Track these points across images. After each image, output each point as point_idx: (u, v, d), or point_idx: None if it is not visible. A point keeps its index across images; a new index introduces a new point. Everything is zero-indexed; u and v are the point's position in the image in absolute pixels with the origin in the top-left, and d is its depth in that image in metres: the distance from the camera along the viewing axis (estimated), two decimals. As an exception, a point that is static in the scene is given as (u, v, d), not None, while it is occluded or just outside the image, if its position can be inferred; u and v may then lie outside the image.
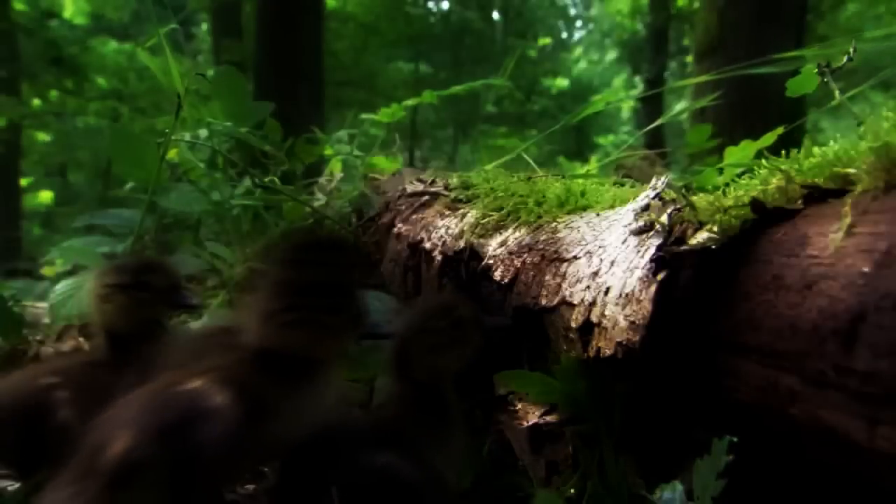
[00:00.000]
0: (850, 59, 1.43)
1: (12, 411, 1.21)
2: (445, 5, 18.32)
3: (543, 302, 1.29)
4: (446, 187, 2.17)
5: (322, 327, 1.03)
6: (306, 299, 1.02)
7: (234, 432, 0.90)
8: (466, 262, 1.65)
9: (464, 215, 1.83)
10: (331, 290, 1.05)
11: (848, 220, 0.75)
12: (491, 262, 1.53)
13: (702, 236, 0.98)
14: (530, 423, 1.31)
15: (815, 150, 0.96)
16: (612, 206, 1.36)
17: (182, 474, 0.86)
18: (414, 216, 2.15)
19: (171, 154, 2.73)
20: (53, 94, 13.09)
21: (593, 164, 3.16)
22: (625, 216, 1.23)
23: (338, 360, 1.10)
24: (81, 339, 2.48)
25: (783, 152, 1.05)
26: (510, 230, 1.56)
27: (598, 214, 1.34)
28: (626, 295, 1.03)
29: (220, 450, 0.89)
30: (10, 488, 1.37)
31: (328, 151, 3.32)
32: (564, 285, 1.23)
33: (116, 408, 0.94)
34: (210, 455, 0.88)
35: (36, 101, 13.12)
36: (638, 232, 1.12)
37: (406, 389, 1.14)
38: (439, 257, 1.78)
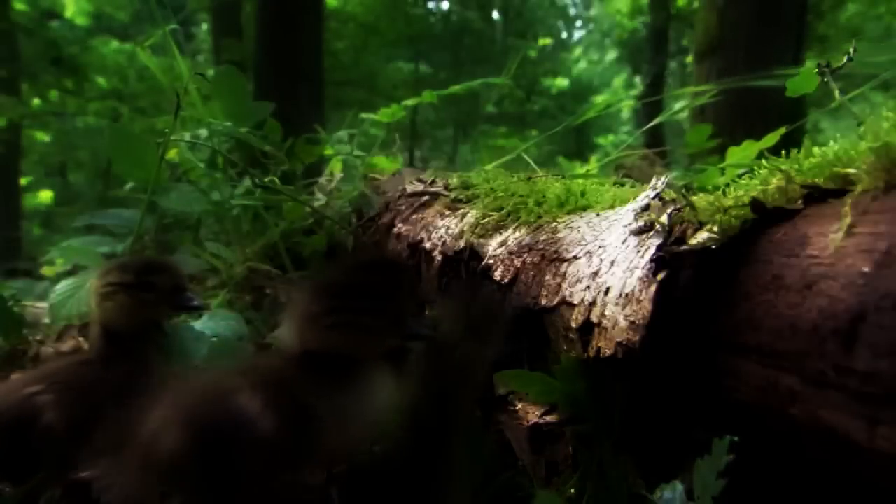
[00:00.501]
0: (850, 60, 1.43)
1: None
2: (445, 5, 18.33)
3: (543, 302, 1.29)
4: (446, 187, 2.17)
5: (364, 330, 1.03)
6: (348, 302, 1.02)
7: (275, 433, 0.90)
8: (466, 262, 1.65)
9: (464, 215, 1.83)
10: (372, 292, 1.05)
11: (848, 220, 0.75)
12: (491, 262, 1.53)
13: (702, 236, 0.98)
14: (530, 423, 1.31)
15: (815, 150, 0.96)
16: (612, 206, 1.36)
17: (225, 474, 0.86)
18: (414, 216, 2.15)
19: (171, 154, 2.73)
20: (54, 94, 13.09)
21: (593, 164, 3.16)
22: (625, 216, 1.23)
23: (383, 363, 1.09)
24: (81, 339, 2.48)
25: (783, 152, 1.05)
26: (510, 230, 1.56)
27: (598, 214, 1.34)
28: (626, 295, 1.03)
29: (262, 450, 0.89)
30: (7, 489, 1.37)
31: (329, 151, 3.32)
32: (564, 285, 1.23)
33: (165, 401, 0.94)
34: (252, 455, 0.88)
35: (36, 101, 13.12)
36: (638, 232, 1.12)
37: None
38: (439, 257, 1.78)
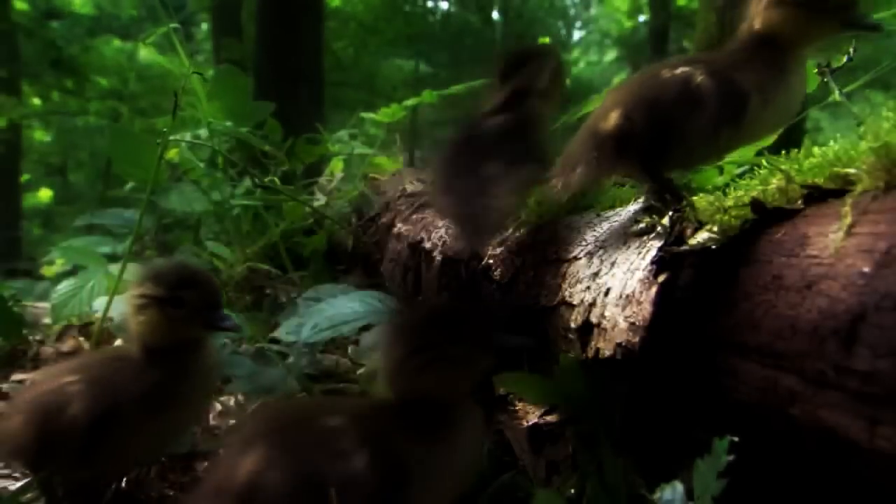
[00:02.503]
0: (850, 60, 1.43)
1: (30, 409, 1.21)
2: (444, 5, 18.32)
3: (543, 302, 1.29)
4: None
5: (454, 361, 0.99)
6: (431, 336, 0.99)
7: (377, 493, 0.89)
8: (466, 262, 1.65)
9: (464, 215, 1.83)
10: (449, 321, 1.02)
11: (848, 220, 0.75)
12: (491, 262, 1.53)
13: (702, 236, 0.98)
14: (530, 423, 1.31)
15: (815, 150, 0.97)
16: (612, 206, 1.36)
17: None
18: (414, 216, 2.15)
19: (172, 154, 2.73)
20: (55, 94, 13.09)
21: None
22: (625, 216, 1.23)
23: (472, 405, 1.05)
24: (81, 339, 2.48)
25: (783, 152, 1.05)
26: (510, 230, 1.56)
27: (598, 214, 1.34)
28: (627, 296, 1.03)
29: None
30: (10, 488, 1.37)
31: (333, 149, 3.32)
32: (564, 286, 1.23)
33: (264, 439, 0.94)
34: None
35: (36, 101, 13.11)
36: (638, 233, 1.12)
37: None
38: (439, 257, 1.78)
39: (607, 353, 1.05)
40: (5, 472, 1.49)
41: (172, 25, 2.54)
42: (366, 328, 1.81)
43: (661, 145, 1.14)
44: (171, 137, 2.18)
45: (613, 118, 1.17)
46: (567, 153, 1.24)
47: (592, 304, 1.12)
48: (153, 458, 1.47)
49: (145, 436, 1.22)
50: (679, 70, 1.16)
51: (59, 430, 1.16)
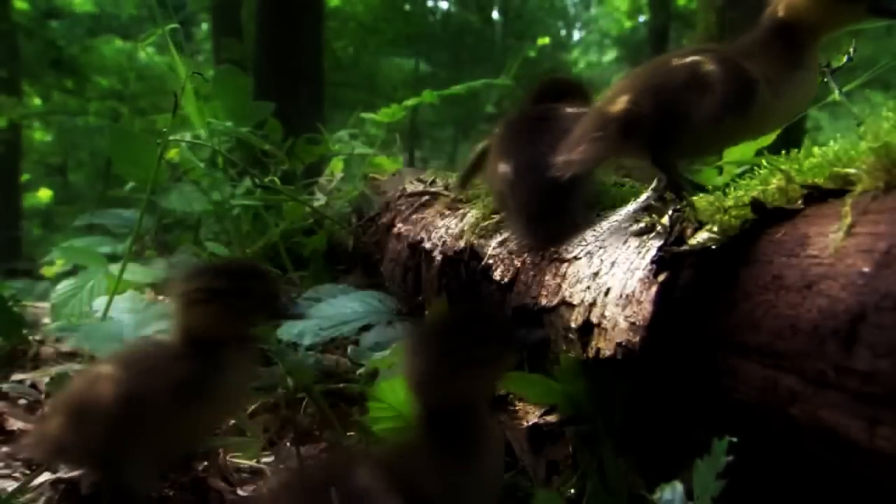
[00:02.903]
0: (850, 60, 1.43)
1: (65, 403, 1.20)
2: (444, 5, 18.31)
3: (543, 302, 1.29)
4: (446, 187, 2.17)
5: (481, 362, 0.98)
6: (456, 341, 0.98)
7: None
8: (466, 261, 1.65)
9: (464, 215, 1.83)
10: (474, 323, 1.02)
11: (848, 220, 0.75)
12: (491, 261, 1.53)
13: (702, 236, 0.98)
14: (530, 423, 1.31)
15: (815, 150, 0.97)
16: (612, 206, 1.36)
17: None
18: (414, 216, 2.15)
19: (172, 154, 2.73)
20: (56, 95, 13.09)
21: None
22: (625, 216, 1.23)
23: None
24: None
25: (783, 152, 1.05)
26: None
27: (598, 214, 1.34)
28: (627, 296, 1.03)
29: None
30: (9, 488, 1.37)
31: (333, 149, 3.32)
32: (564, 285, 1.23)
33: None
34: None
35: (36, 101, 13.11)
36: (638, 233, 1.12)
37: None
38: (439, 257, 1.78)
39: (608, 352, 1.05)
40: (6, 472, 1.49)
41: (172, 26, 2.55)
42: (366, 328, 1.81)
43: (667, 130, 1.14)
44: (171, 137, 2.18)
45: (621, 101, 1.18)
46: (573, 133, 1.24)
47: (593, 304, 1.12)
48: (185, 453, 1.45)
49: (179, 427, 1.19)
50: (689, 58, 1.17)
51: (91, 418, 1.14)
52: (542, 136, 1.41)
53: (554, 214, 1.35)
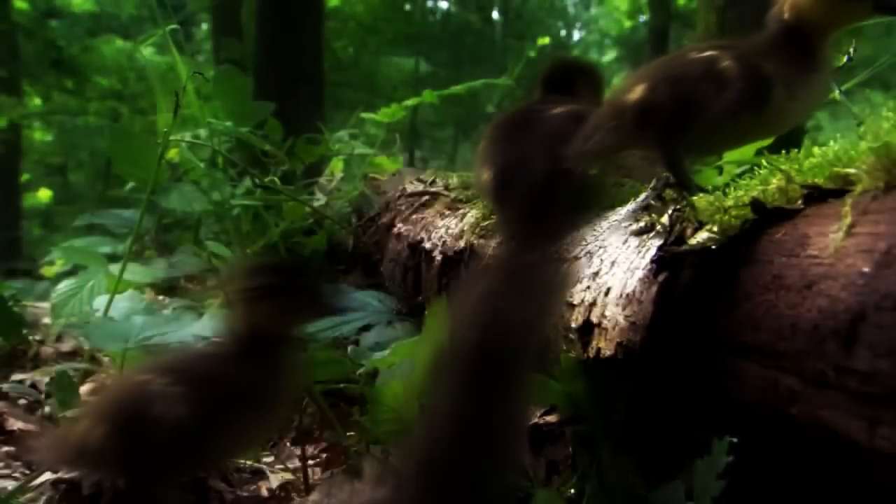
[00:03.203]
0: (850, 60, 1.43)
1: (112, 415, 1.16)
2: (444, 5, 18.31)
3: (543, 302, 1.29)
4: (446, 187, 2.17)
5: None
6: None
7: None
8: (467, 262, 1.65)
9: (464, 215, 1.83)
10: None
11: (848, 220, 0.75)
12: (491, 262, 1.53)
13: (702, 236, 0.98)
14: (530, 423, 1.31)
15: (815, 150, 0.97)
16: (612, 206, 1.36)
17: None
18: (414, 216, 2.15)
19: (172, 154, 2.73)
20: (56, 95, 13.09)
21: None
22: (625, 216, 1.23)
23: None
24: (82, 339, 2.48)
25: (783, 152, 1.05)
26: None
27: (598, 214, 1.34)
28: (627, 295, 1.03)
29: None
30: (9, 488, 1.37)
31: (333, 149, 3.32)
32: (564, 285, 1.23)
33: None
34: None
35: (36, 101, 13.11)
36: (638, 232, 1.12)
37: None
38: (439, 257, 1.78)
39: (608, 352, 1.05)
40: (6, 472, 1.49)
41: (172, 26, 2.55)
42: (366, 328, 1.81)
43: (680, 122, 1.14)
44: (172, 137, 2.18)
45: (638, 91, 1.17)
46: (587, 124, 1.24)
47: (593, 304, 1.12)
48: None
49: (241, 433, 1.19)
50: (706, 52, 1.17)
51: (151, 433, 1.11)
52: (524, 138, 1.37)
53: (535, 228, 1.26)
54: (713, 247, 0.94)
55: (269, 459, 1.62)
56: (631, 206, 1.25)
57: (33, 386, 2.02)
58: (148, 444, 1.12)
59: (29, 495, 1.33)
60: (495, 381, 0.93)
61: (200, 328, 1.72)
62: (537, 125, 1.39)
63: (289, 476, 1.53)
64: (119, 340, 1.67)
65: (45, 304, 2.85)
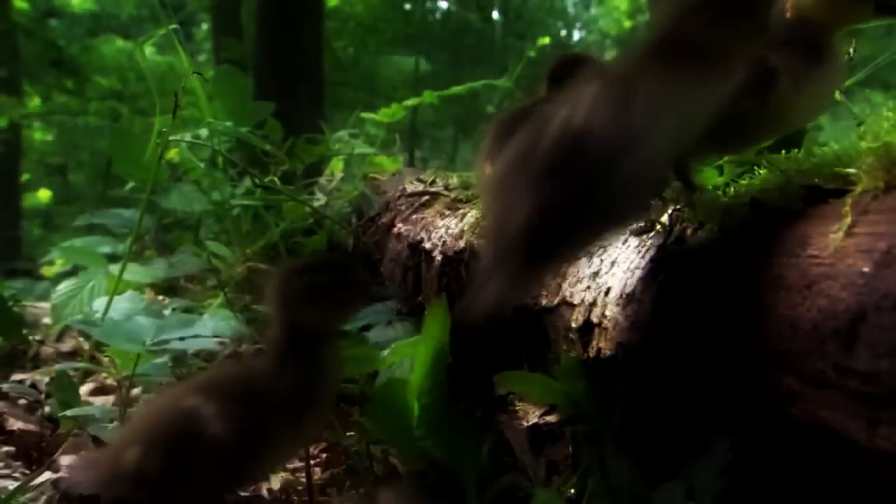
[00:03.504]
0: (850, 59, 1.43)
1: (157, 438, 1.13)
2: (444, 5, 18.30)
3: (543, 302, 1.29)
4: (446, 187, 2.17)
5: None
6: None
7: None
8: (467, 262, 1.65)
9: (464, 215, 1.83)
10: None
11: (848, 220, 0.75)
12: (491, 262, 1.53)
13: (702, 236, 0.98)
14: (530, 423, 1.31)
15: (815, 150, 0.97)
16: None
17: None
18: (414, 216, 2.15)
19: (172, 154, 2.73)
20: (56, 95, 13.08)
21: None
22: (625, 216, 1.23)
23: None
24: (81, 339, 2.48)
25: (783, 152, 1.05)
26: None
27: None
28: (627, 295, 1.03)
29: None
30: (10, 487, 1.37)
31: (334, 148, 3.32)
32: (565, 285, 1.24)
33: None
34: None
35: (36, 101, 13.10)
36: (638, 232, 1.12)
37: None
38: (439, 257, 1.78)
39: (608, 352, 1.05)
40: (6, 472, 1.49)
41: (173, 26, 2.55)
42: (366, 328, 1.81)
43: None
44: (171, 138, 2.18)
45: None
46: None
47: (593, 304, 1.12)
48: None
49: (287, 441, 1.20)
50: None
51: (198, 455, 1.10)
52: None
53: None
54: (713, 247, 0.94)
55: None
56: (631, 206, 1.25)
57: (33, 386, 2.02)
58: (193, 468, 1.09)
59: (29, 495, 1.33)
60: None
61: (214, 329, 1.72)
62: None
63: (289, 477, 1.53)
64: (136, 342, 1.64)
65: (45, 304, 2.85)
